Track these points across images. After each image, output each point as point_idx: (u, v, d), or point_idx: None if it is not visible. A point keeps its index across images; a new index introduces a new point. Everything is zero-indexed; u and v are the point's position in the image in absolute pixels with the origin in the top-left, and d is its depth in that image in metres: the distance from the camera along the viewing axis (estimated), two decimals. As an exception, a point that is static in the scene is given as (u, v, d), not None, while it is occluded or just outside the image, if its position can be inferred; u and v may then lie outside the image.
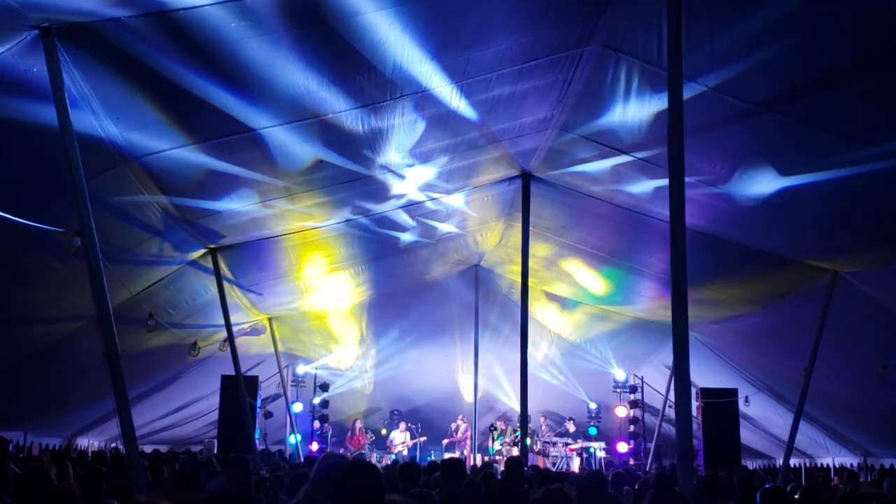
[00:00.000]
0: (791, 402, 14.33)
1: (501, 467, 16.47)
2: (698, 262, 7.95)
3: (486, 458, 19.65)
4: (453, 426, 21.93)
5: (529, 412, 12.94)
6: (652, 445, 19.38)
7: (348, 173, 10.35)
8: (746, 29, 7.26)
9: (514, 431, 20.49)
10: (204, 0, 6.24)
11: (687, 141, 6.60)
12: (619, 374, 20.66)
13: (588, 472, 8.82)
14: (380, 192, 11.43)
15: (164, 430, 19.38)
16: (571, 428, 21.42)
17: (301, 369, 20.82)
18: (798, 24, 7.02)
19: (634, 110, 9.17)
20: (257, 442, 17.12)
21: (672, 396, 14.59)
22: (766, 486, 7.44)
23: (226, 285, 13.06)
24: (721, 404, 16.81)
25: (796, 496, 8.27)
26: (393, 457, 21.00)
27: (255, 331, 17.35)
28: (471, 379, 19.38)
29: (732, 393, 16.98)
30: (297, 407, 20.60)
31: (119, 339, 6.91)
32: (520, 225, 12.89)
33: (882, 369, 11.83)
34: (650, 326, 17.28)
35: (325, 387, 21.07)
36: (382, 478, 3.80)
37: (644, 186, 11.05)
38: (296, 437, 20.19)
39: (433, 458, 19.02)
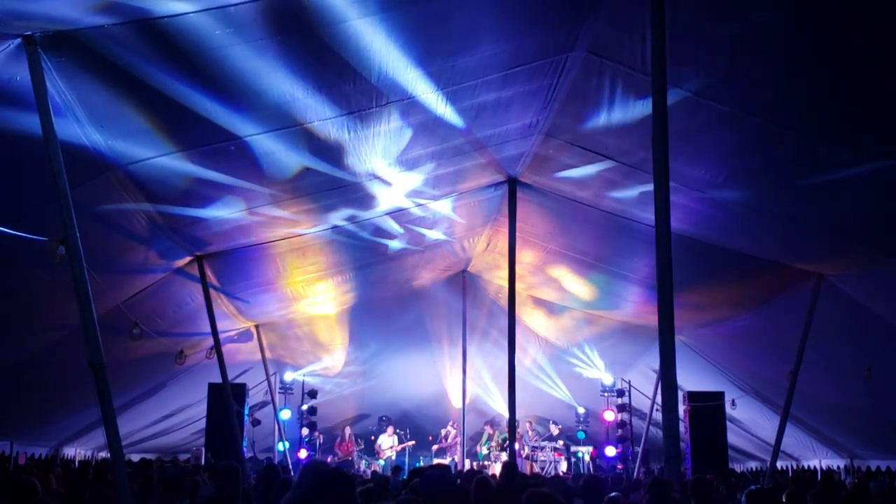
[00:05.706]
0: (777, 405, 14.39)
1: (491, 472, 16.52)
2: (684, 267, 7.96)
3: (476, 464, 19.66)
4: (443, 432, 21.91)
5: (517, 417, 12.94)
6: (640, 449, 19.42)
7: (335, 180, 10.33)
8: (730, 35, 7.30)
9: (501, 435, 20.52)
10: (188, 7, 6.22)
11: (671, 146, 6.62)
12: (607, 379, 20.69)
13: (587, 477, 8.82)
14: (367, 199, 11.42)
15: (151, 439, 19.31)
16: (555, 431, 21.43)
17: (289, 376, 20.73)
18: (781, 30, 7.08)
19: (619, 116, 9.20)
20: (245, 450, 17.07)
21: (659, 400, 14.64)
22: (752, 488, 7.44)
23: (212, 293, 12.97)
24: (708, 408, 16.89)
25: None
26: (382, 462, 20.99)
27: (242, 338, 17.30)
28: (459, 384, 19.36)
29: (719, 396, 17.07)
30: (285, 414, 20.50)
31: (104, 347, 6.86)
32: (506, 230, 12.90)
33: (867, 371, 11.89)
34: (637, 331, 17.34)
35: (313, 394, 20.98)
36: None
37: (629, 191, 11.09)
38: (284, 445, 20.12)
39: (422, 463, 19.04)
